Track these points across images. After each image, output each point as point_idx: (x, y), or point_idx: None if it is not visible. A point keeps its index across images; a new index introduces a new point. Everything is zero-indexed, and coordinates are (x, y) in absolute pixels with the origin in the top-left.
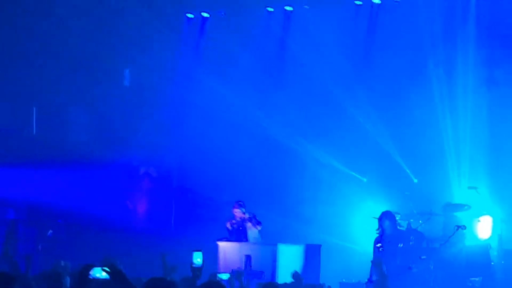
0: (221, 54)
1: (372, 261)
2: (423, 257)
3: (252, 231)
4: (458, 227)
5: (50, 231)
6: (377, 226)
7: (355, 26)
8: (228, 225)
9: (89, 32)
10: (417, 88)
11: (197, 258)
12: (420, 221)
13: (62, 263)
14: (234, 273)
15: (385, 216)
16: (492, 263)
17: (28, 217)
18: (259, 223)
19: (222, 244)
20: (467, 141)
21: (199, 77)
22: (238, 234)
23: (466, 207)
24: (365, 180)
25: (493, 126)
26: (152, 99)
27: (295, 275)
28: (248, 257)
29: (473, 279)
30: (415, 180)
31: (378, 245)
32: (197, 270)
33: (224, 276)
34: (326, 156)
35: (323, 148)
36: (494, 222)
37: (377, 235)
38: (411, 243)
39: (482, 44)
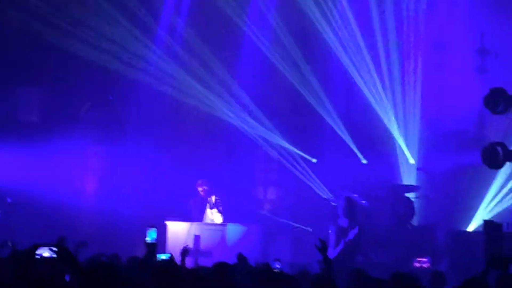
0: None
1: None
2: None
3: (215, 215)
4: (408, 208)
5: None
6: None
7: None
8: (192, 203)
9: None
10: (366, 68)
11: (151, 235)
12: (363, 201)
13: (9, 243)
14: (181, 251)
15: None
16: (440, 243)
17: None
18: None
19: (171, 224)
20: (416, 121)
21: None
22: (201, 213)
23: (415, 188)
24: (314, 161)
25: (443, 105)
26: (103, 78)
27: (239, 256)
28: (197, 237)
29: (420, 259)
30: (364, 161)
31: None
32: (151, 246)
33: (164, 256)
34: (276, 137)
35: (273, 130)
36: (442, 202)
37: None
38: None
39: (431, 26)
